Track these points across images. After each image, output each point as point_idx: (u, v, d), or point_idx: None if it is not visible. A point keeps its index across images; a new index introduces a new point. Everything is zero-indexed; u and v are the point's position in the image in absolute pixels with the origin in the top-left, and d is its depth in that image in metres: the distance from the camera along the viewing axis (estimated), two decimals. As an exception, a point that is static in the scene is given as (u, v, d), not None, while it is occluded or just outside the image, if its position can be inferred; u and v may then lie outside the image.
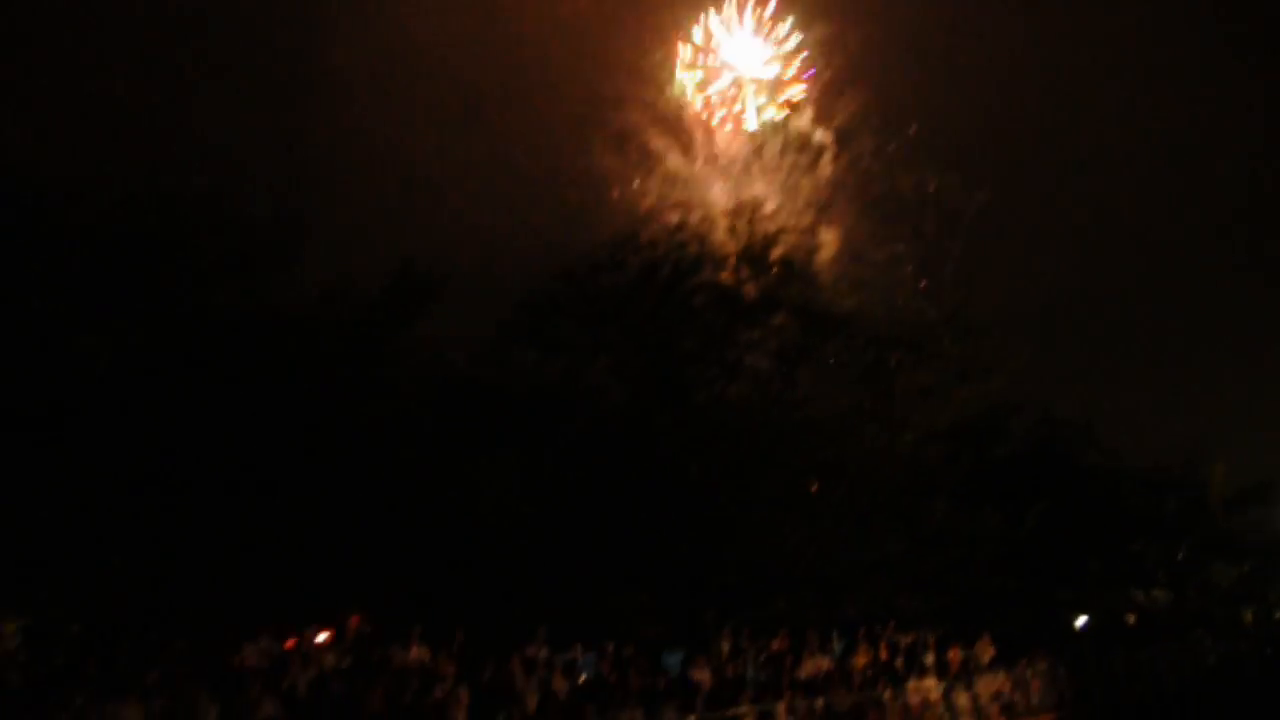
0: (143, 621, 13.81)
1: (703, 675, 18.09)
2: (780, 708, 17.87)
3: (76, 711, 11.39)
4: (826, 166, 49.68)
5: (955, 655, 22.30)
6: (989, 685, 21.81)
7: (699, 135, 51.39)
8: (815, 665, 19.67)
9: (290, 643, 14.52)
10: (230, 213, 20.42)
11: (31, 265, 17.47)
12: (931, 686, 20.88)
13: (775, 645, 19.78)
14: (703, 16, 49.66)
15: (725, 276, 28.82)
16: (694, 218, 31.32)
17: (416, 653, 15.06)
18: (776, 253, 29.85)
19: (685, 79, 48.57)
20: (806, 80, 48.13)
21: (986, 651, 22.88)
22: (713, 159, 52.64)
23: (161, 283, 18.86)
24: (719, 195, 46.78)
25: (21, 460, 15.56)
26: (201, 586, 15.83)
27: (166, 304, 18.76)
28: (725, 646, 19.20)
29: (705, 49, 48.96)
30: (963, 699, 21.03)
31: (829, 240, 38.24)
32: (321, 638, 15.09)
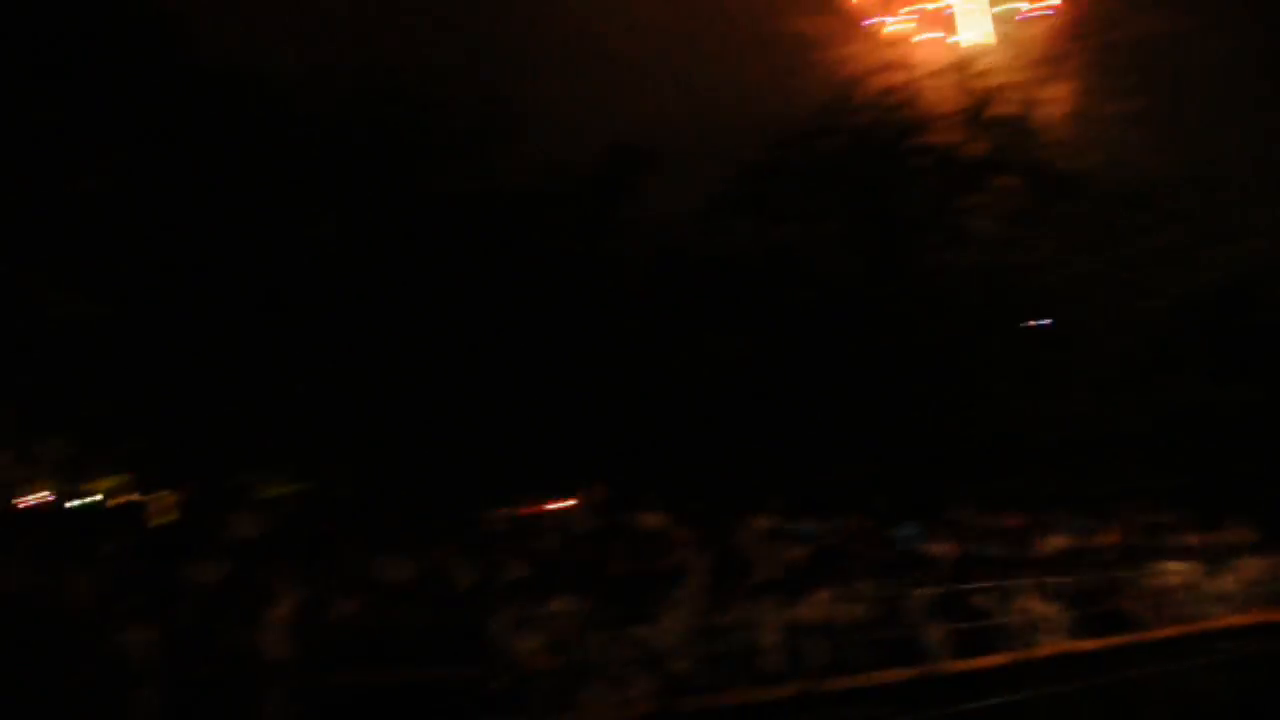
0: (403, 487, 14.53)
1: (938, 549, 17.78)
2: (1020, 585, 17.39)
3: (349, 567, 12.15)
4: (1052, 16, 46.25)
5: (1207, 538, 21.13)
6: (1248, 571, 20.60)
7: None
8: (1056, 543, 19.03)
9: (536, 509, 15.06)
10: (448, 97, 20.67)
11: (270, 158, 18.15)
12: (1180, 569, 19.88)
13: (1014, 521, 19.22)
14: None
15: (946, 138, 27.46)
16: (910, 78, 29.86)
17: (655, 520, 15.33)
18: (1000, 111, 28.22)
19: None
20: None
21: (1243, 536, 21.57)
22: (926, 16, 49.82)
23: (389, 168, 19.35)
24: (936, 53, 44.33)
25: (287, 341, 16.42)
26: (454, 456, 16.51)
27: (396, 188, 19.26)
28: (961, 521, 18.77)
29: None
30: (1217, 583, 19.95)
31: (1058, 95, 35.81)
32: (566, 504, 15.58)
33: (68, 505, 15.76)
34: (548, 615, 12.79)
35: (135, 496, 15.01)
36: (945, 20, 47.78)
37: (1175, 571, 19.63)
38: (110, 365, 15.93)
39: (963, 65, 30.59)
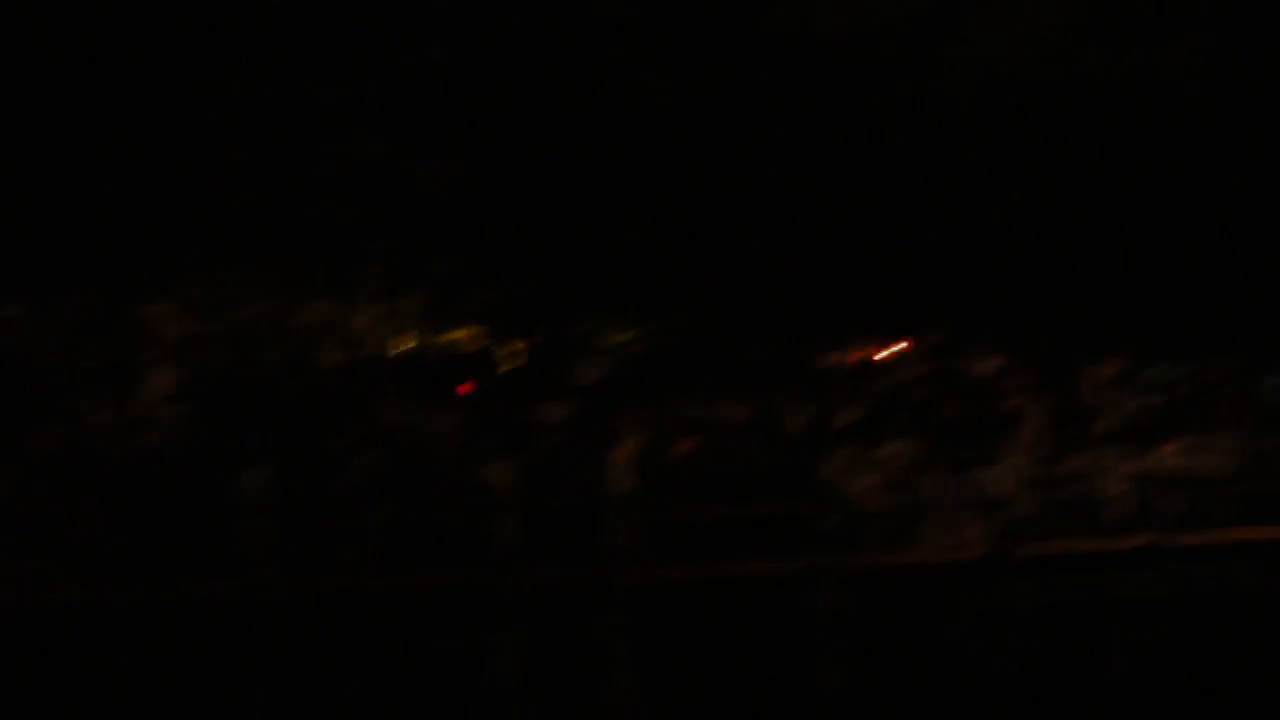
0: (739, 330, 14.77)
1: (1313, 400, 16.18)
2: None
3: (688, 408, 12.61)
4: None
5: None
6: None
7: None
8: None
9: (870, 352, 14.96)
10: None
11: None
12: None
13: None
14: None
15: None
16: None
17: (991, 364, 14.88)
18: None
19: None
20: None
21: None
22: None
23: (708, 13, 19.00)
24: None
25: (610, 189, 16.81)
26: (791, 299, 16.50)
27: (718, 33, 18.91)
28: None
29: None
30: None
31: None
32: (900, 347, 15.37)
33: (429, 354, 17.11)
34: (881, 457, 12.82)
35: (488, 344, 16.11)
36: None
37: None
38: (462, 225, 16.97)
39: None
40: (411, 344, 17.08)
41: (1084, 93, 20.38)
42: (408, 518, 11.02)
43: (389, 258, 16.90)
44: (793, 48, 18.75)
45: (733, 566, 11.18)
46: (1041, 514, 13.15)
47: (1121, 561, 13.08)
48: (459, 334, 17.30)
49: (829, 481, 12.19)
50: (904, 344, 15.44)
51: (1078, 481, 13.78)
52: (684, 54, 18.39)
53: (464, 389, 13.09)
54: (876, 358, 15.10)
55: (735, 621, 10.89)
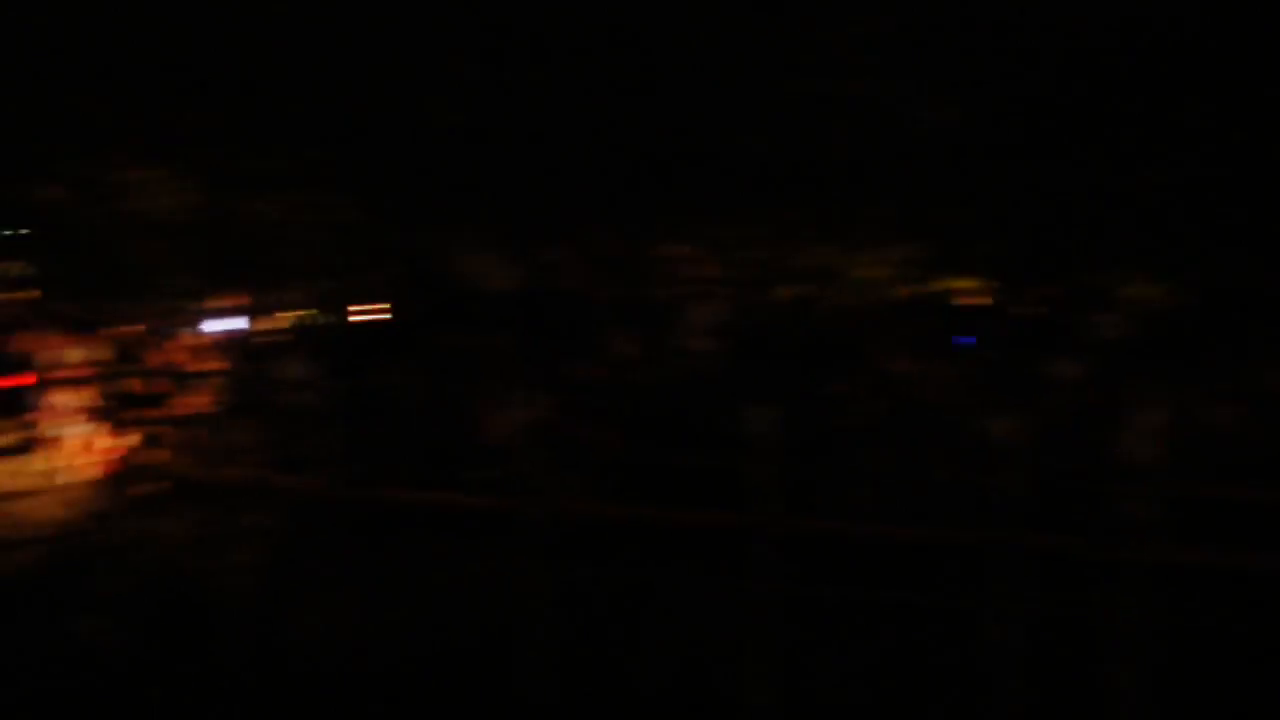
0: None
1: None
2: None
3: (1224, 371, 11.32)
4: None
5: None
6: None
7: None
8: None
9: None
10: None
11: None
12: None
13: None
14: None
15: None
16: None
17: None
18: None
19: None
20: None
21: None
22: None
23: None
24: None
25: (1137, 130, 15.32)
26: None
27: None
28: None
29: None
30: None
31: None
32: None
33: (932, 302, 16.78)
34: None
35: (995, 294, 15.50)
36: None
37: None
38: (966, 170, 16.33)
39: None
40: (913, 291, 16.81)
41: None
42: (904, 467, 10.90)
43: (892, 205, 16.67)
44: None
45: (1268, 558, 9.87)
46: None
47: None
48: (963, 283, 16.77)
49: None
50: None
51: None
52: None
53: (970, 340, 12.66)
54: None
55: (1261, 622, 9.62)
